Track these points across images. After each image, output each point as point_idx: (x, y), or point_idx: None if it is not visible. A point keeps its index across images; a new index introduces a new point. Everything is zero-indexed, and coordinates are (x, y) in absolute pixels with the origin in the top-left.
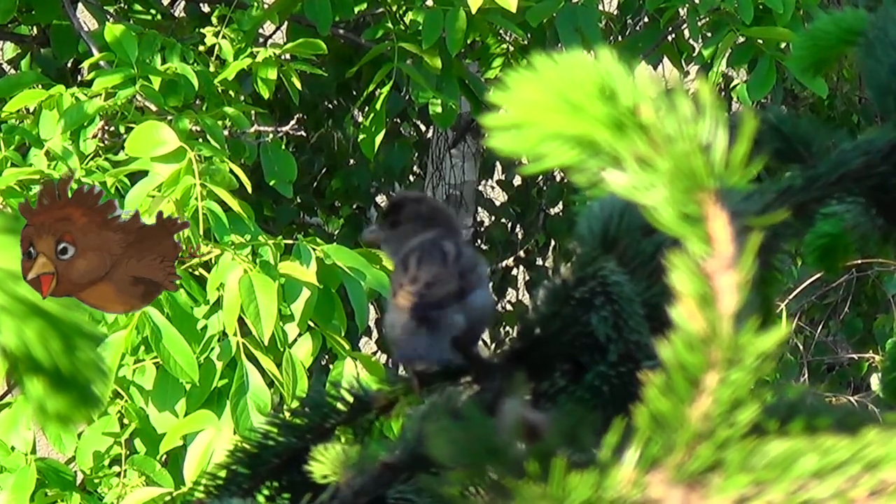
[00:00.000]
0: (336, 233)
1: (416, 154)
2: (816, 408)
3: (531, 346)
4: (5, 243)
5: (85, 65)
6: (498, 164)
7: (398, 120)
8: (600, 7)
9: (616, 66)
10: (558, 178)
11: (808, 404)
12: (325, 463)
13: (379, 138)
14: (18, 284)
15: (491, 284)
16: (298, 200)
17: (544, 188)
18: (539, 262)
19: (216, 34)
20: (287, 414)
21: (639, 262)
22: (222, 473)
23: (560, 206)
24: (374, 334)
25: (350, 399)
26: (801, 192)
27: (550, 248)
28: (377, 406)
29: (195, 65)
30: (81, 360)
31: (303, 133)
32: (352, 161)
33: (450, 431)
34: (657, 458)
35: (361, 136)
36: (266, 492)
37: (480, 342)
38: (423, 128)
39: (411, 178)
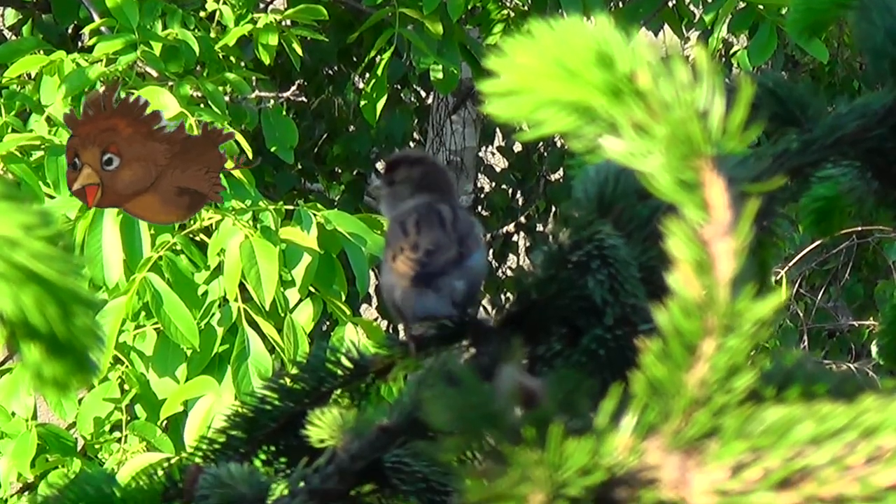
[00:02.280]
0: (337, 198)
1: (417, 120)
2: (813, 374)
3: (528, 309)
4: (2, 209)
5: (86, 30)
6: (498, 130)
7: (399, 86)
8: None
9: (613, 33)
10: (559, 145)
11: (805, 371)
12: (322, 427)
13: (380, 104)
14: (15, 251)
15: (492, 251)
16: (299, 166)
17: (545, 154)
18: (539, 227)
19: (217, 0)
20: (287, 380)
21: (635, 226)
22: (220, 438)
23: (561, 172)
24: (375, 301)
25: (347, 363)
26: (797, 156)
27: (551, 214)
28: (374, 370)
29: (196, 31)
30: (78, 326)
31: (303, 99)
32: (352, 127)
33: (446, 397)
34: (654, 424)
35: (363, 102)
36: (263, 456)
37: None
38: (423, 94)
39: (412, 144)
